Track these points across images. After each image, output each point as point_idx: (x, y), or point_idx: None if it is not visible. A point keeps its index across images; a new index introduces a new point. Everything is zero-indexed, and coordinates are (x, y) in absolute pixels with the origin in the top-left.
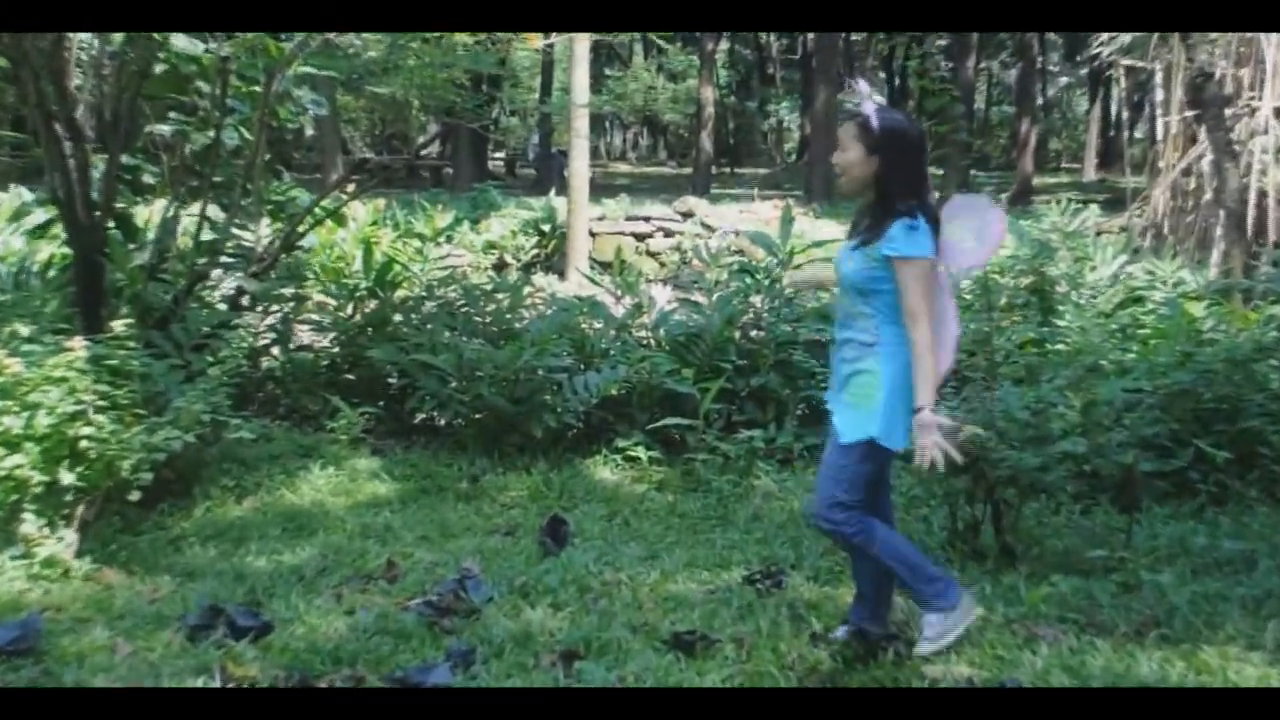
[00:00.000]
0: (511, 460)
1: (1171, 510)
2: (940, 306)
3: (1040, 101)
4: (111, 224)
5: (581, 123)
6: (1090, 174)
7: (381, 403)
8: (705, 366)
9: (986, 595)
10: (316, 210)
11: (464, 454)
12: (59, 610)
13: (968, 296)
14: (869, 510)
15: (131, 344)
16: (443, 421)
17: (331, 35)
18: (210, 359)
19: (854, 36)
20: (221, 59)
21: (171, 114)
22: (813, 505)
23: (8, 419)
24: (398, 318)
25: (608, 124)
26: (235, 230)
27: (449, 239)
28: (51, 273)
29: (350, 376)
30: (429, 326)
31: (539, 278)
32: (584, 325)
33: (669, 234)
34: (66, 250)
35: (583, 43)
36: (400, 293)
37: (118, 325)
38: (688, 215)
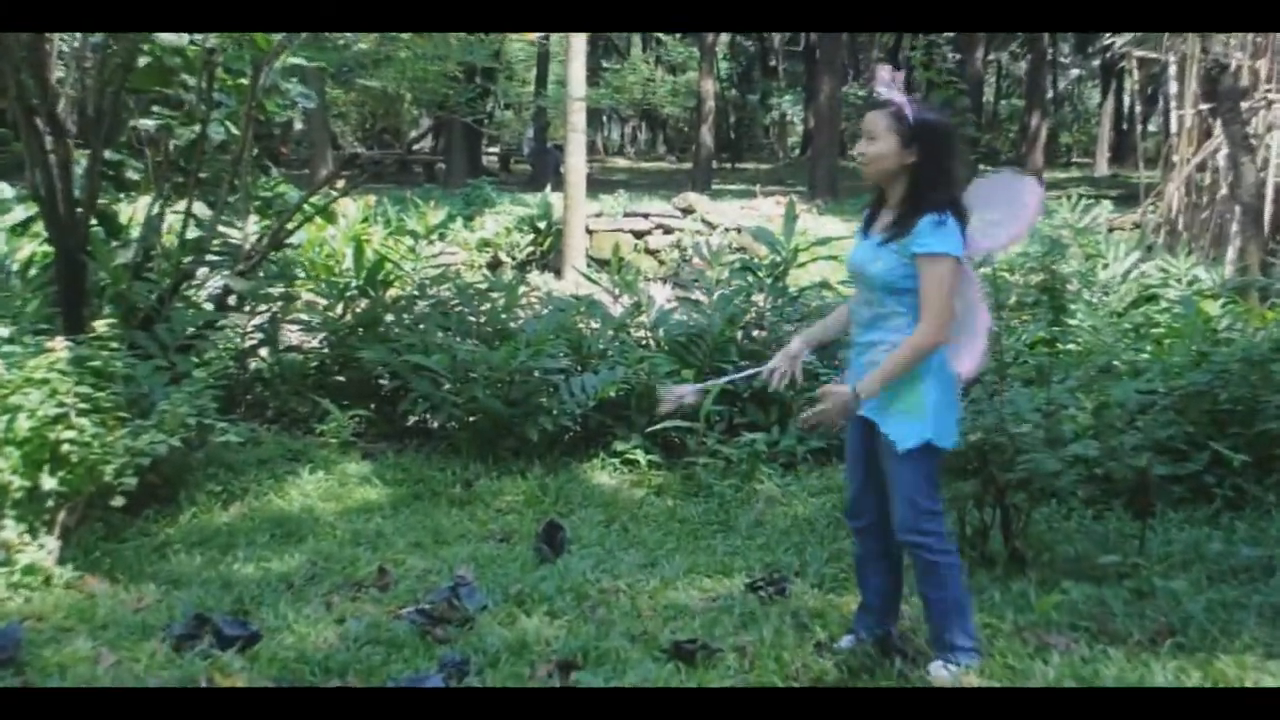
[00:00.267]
0: (506, 464)
1: (1186, 515)
2: (969, 298)
3: (1051, 94)
4: (94, 221)
5: (578, 117)
6: (1102, 169)
7: (373, 405)
8: (706, 367)
9: (996, 602)
10: (305, 207)
11: (457, 458)
12: (40, 619)
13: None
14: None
15: (115, 345)
16: (436, 424)
17: None
18: (196, 360)
19: None
20: (207, 51)
21: (156, 108)
22: (896, 524)
23: None
24: (389, 318)
25: (605, 118)
26: (221, 227)
27: (442, 236)
28: (32, 271)
29: (340, 378)
30: (421, 327)
31: (534, 276)
32: (581, 325)
33: (668, 231)
34: (48, 248)
35: (579, 35)
36: (392, 292)
37: (100, 325)
38: (688, 212)
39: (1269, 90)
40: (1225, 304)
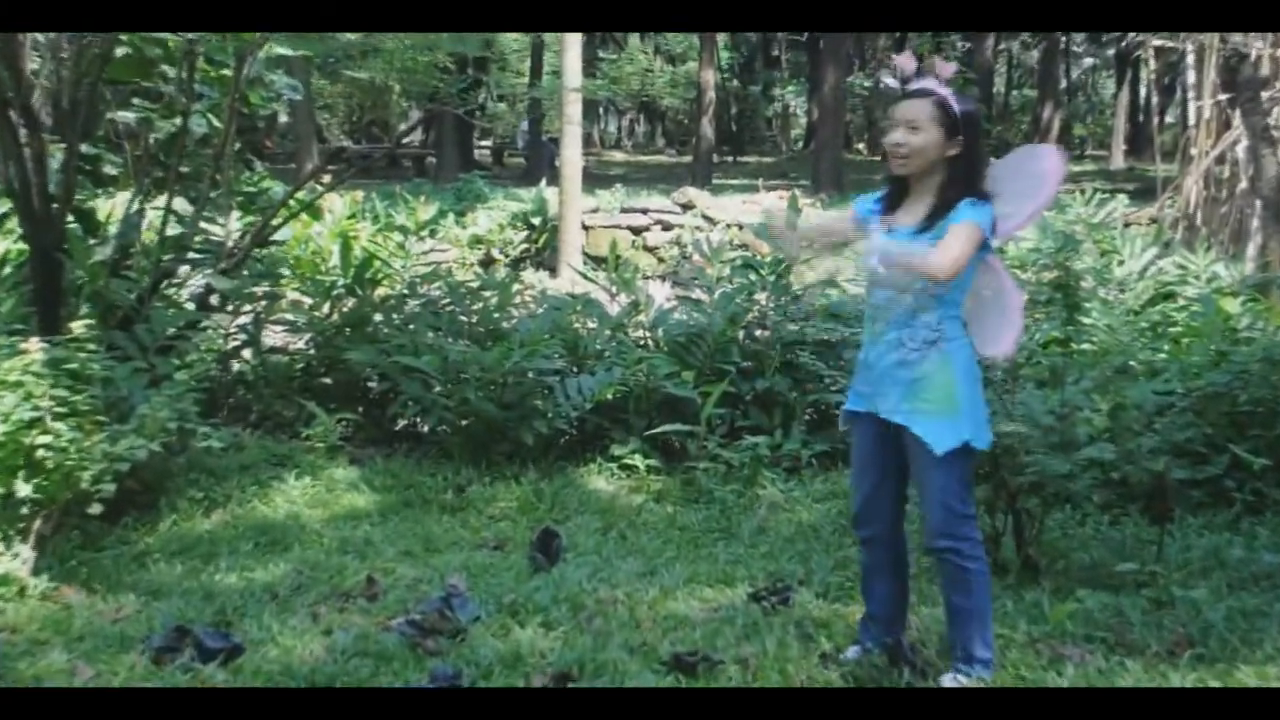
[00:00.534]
0: (500, 469)
1: (1206, 520)
2: (998, 286)
3: (1064, 85)
4: (71, 218)
5: (574, 108)
6: (1118, 162)
7: (360, 408)
8: (706, 369)
9: (1008, 612)
10: (291, 202)
11: (449, 463)
12: (14, 631)
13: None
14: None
15: (92, 346)
16: (426, 428)
17: None
18: (177, 362)
19: None
20: (188, 42)
21: (135, 100)
22: (929, 530)
23: None
24: (378, 317)
25: (602, 110)
26: (203, 224)
27: (432, 233)
28: (6, 270)
29: (327, 380)
30: (411, 327)
31: (529, 274)
32: (577, 325)
33: (667, 227)
34: (22, 246)
35: None
36: (380, 291)
37: (77, 326)
38: (687, 207)
39: None
40: (1245, 302)
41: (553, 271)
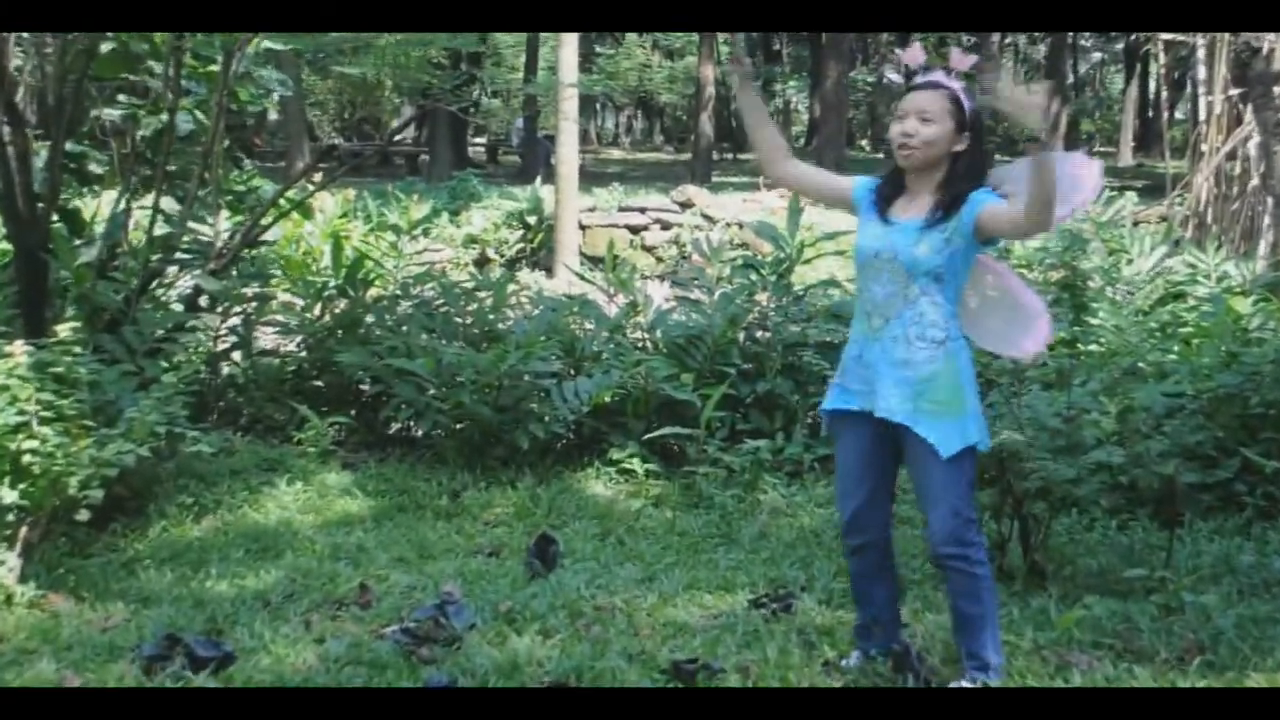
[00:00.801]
0: (495, 474)
1: (1216, 525)
2: (1003, 286)
3: (1071, 80)
4: (56, 217)
5: (570, 104)
6: (1126, 158)
7: (353, 412)
8: (706, 371)
9: (1015, 619)
10: (281, 201)
11: (443, 467)
12: (1, 640)
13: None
14: (889, 521)
15: (79, 349)
16: (420, 432)
17: None
18: (165, 365)
19: None
20: (175, 36)
21: (121, 97)
22: (935, 537)
23: None
24: (370, 319)
25: (599, 106)
26: (192, 224)
27: (426, 232)
28: None
29: (319, 383)
30: (404, 328)
31: (524, 274)
32: (574, 326)
33: (666, 226)
34: (6, 247)
35: None
36: (373, 292)
37: (63, 328)
38: (686, 205)
39: None
40: (1257, 302)
41: (549, 272)
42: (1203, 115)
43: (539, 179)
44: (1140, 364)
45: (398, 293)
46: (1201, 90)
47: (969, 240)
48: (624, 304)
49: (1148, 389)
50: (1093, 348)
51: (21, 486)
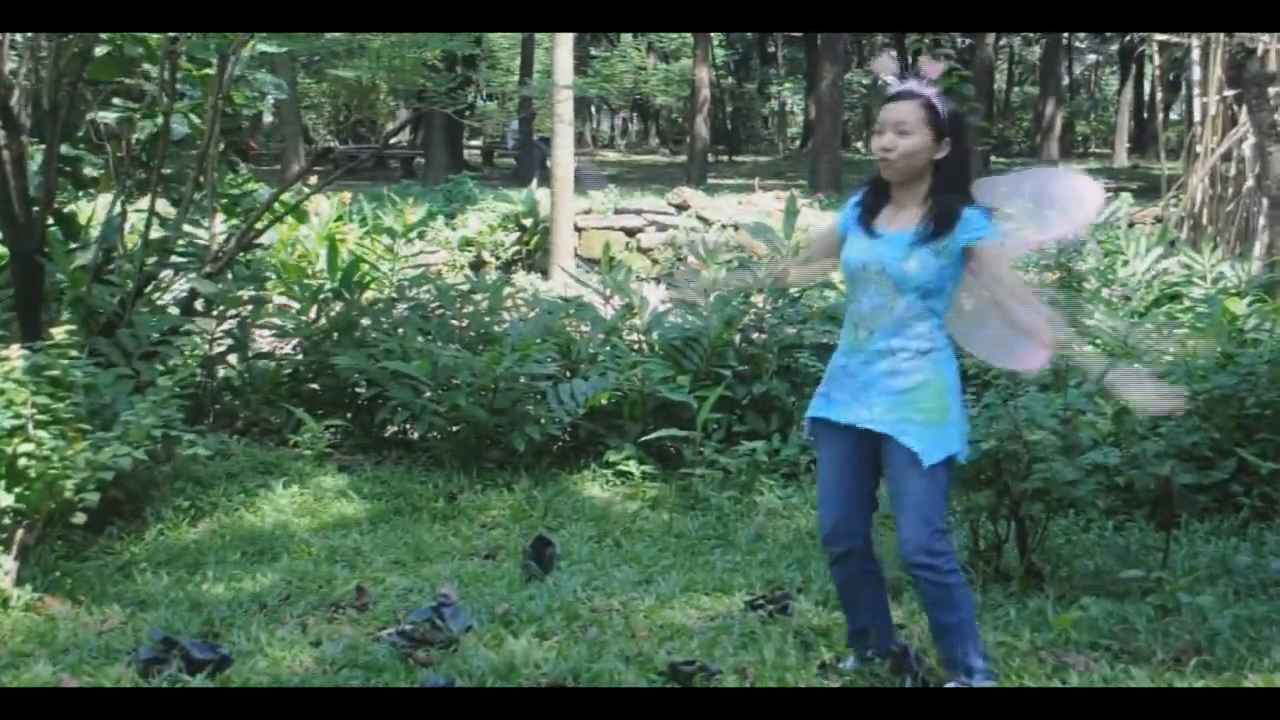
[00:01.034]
0: (491, 476)
1: (1212, 526)
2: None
3: (1066, 81)
4: (51, 221)
5: (565, 107)
6: (1121, 159)
7: (349, 414)
8: (702, 373)
9: (1011, 620)
10: (276, 205)
11: (440, 470)
12: None
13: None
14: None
15: (74, 352)
16: (416, 435)
17: None
18: (161, 368)
19: None
20: (170, 39)
21: (116, 100)
22: (906, 546)
23: None
24: (366, 321)
25: (594, 108)
26: (187, 227)
27: (421, 235)
28: None
29: (314, 386)
30: (400, 331)
31: (520, 277)
32: (570, 329)
33: (662, 228)
34: (2, 250)
35: None
36: (368, 294)
37: (59, 332)
38: (682, 208)
39: None
40: (1252, 302)
41: (545, 274)
42: (1198, 116)
43: (534, 182)
44: (1136, 365)
45: (393, 295)
46: (1196, 91)
47: (957, 259)
48: (620, 306)
49: None
50: (1089, 349)
51: (17, 490)
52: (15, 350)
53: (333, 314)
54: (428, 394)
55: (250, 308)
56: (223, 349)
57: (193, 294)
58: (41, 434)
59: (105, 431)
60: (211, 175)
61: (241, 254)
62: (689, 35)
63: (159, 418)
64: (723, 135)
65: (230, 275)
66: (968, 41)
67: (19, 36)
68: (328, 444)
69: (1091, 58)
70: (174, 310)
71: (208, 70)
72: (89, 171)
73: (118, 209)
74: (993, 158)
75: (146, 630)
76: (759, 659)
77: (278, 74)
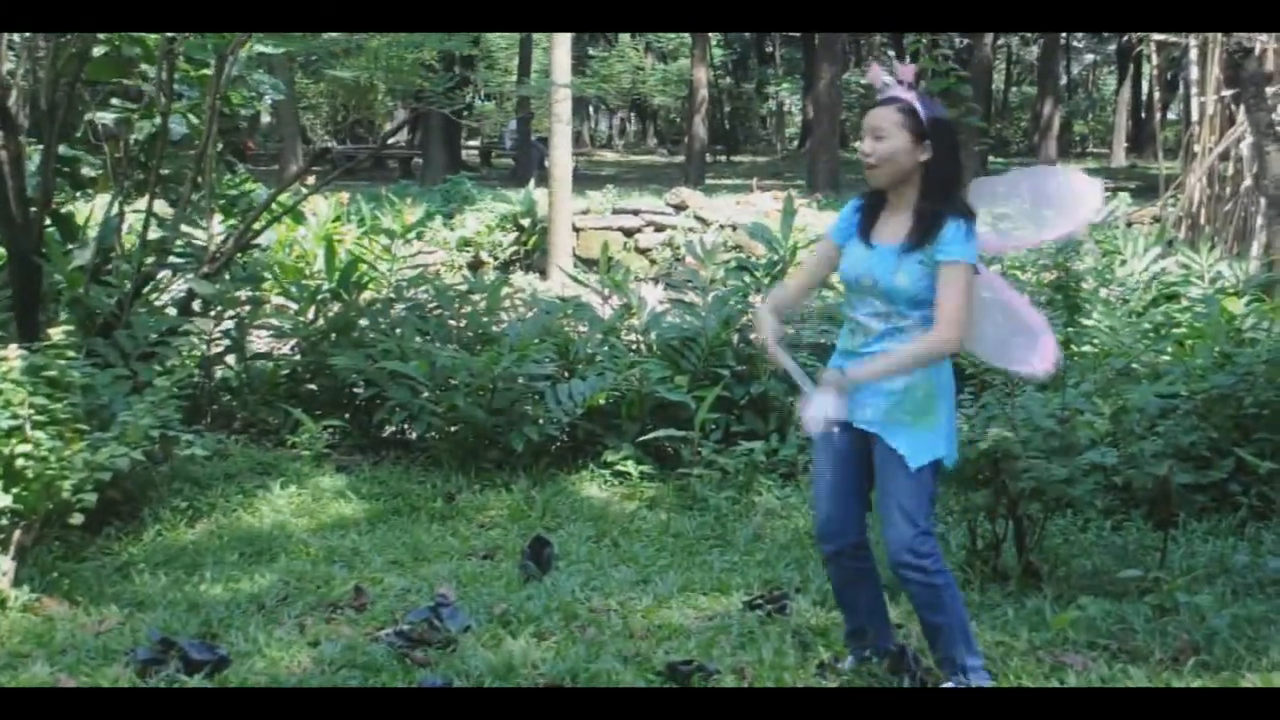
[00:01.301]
0: (490, 476)
1: (1210, 526)
2: (1013, 301)
3: (1064, 81)
4: (49, 221)
5: (563, 107)
6: (1119, 159)
7: (347, 415)
8: (700, 373)
9: (1009, 620)
10: (274, 205)
11: (438, 470)
12: None
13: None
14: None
15: (72, 353)
16: (414, 435)
17: None
18: (159, 369)
19: None
20: (167, 40)
21: (114, 101)
22: (891, 546)
23: None
24: (364, 322)
25: (592, 108)
26: (185, 227)
27: (419, 235)
28: None
29: (312, 386)
30: (398, 331)
31: (518, 277)
32: (568, 329)
33: (660, 228)
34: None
35: None
36: (366, 295)
37: (56, 332)
38: (680, 208)
39: None
40: (1250, 302)
41: (542, 274)
42: (1195, 116)
43: (532, 182)
44: (1134, 365)
45: (391, 296)
46: (1194, 91)
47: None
48: (618, 306)
49: (1141, 390)
50: (1087, 349)
51: (15, 490)
52: (13, 351)
53: (330, 314)
54: (426, 394)
55: (248, 308)
56: (220, 349)
57: (190, 294)
58: (39, 434)
59: (103, 432)
60: (209, 176)
61: (239, 254)
62: (687, 35)
63: (156, 418)
64: (720, 135)
65: (228, 276)
66: (966, 41)
67: (17, 37)
68: (326, 444)
69: (1089, 57)
70: (172, 311)
71: (205, 70)
72: (87, 172)
73: (115, 209)
74: (991, 158)
75: (144, 631)
76: (757, 659)
77: (275, 74)
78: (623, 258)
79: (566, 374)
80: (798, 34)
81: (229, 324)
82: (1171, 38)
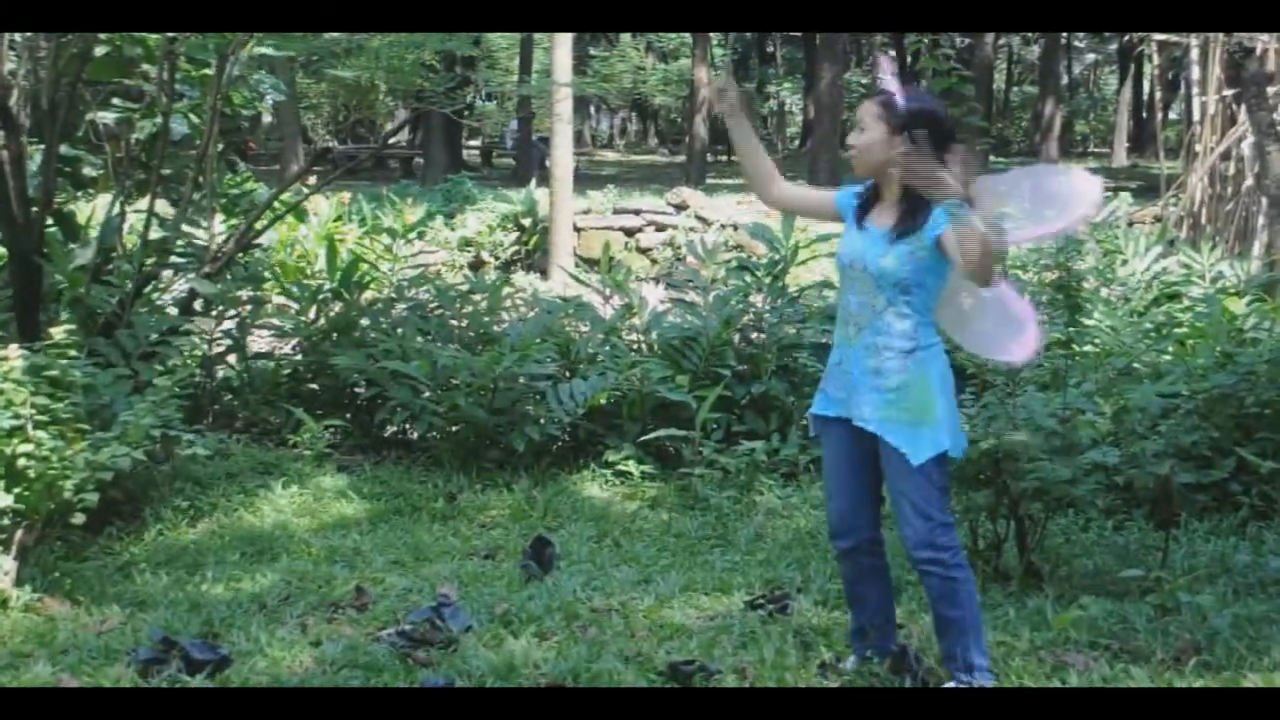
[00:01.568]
0: (491, 476)
1: (1212, 525)
2: (1005, 294)
3: (1065, 80)
4: (50, 221)
5: (564, 107)
6: (1121, 159)
7: (348, 414)
8: (702, 372)
9: (1011, 620)
10: (275, 205)
11: (439, 470)
12: None
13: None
14: (877, 523)
15: (73, 353)
16: (415, 435)
17: None
18: (160, 368)
19: None
20: (168, 40)
21: (115, 100)
22: (909, 542)
23: None
24: (365, 322)
25: (593, 108)
26: (186, 227)
27: (420, 235)
28: None
29: (314, 386)
30: (399, 331)
31: (519, 277)
32: (569, 328)
33: (661, 228)
34: (1, 250)
35: None
36: (368, 294)
37: (58, 332)
38: (681, 208)
39: None
40: (1251, 302)
41: (544, 274)
42: (1197, 116)
43: (533, 181)
44: (1135, 364)
45: (393, 296)
46: (1195, 91)
47: (934, 254)
48: (619, 306)
49: (1143, 389)
50: (1088, 348)
51: (16, 490)
52: (14, 350)
53: (332, 314)
54: (427, 394)
55: (249, 308)
56: (222, 349)
57: (192, 294)
58: (40, 434)
59: (104, 432)
60: (210, 175)
61: (240, 254)
62: (688, 35)
63: (158, 418)
64: (721, 135)
65: (229, 275)
66: (967, 41)
67: (18, 36)
68: (327, 444)
69: (1090, 57)
70: (173, 310)
71: (206, 70)
72: (88, 172)
73: (117, 209)
74: (992, 157)
75: (146, 630)
76: (758, 659)
77: (276, 74)
78: (624, 257)
79: (568, 374)
80: (798, 34)
81: (230, 324)
82: (1173, 38)
